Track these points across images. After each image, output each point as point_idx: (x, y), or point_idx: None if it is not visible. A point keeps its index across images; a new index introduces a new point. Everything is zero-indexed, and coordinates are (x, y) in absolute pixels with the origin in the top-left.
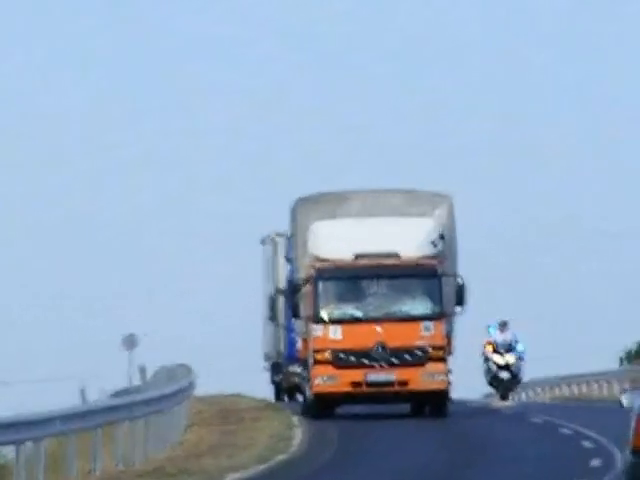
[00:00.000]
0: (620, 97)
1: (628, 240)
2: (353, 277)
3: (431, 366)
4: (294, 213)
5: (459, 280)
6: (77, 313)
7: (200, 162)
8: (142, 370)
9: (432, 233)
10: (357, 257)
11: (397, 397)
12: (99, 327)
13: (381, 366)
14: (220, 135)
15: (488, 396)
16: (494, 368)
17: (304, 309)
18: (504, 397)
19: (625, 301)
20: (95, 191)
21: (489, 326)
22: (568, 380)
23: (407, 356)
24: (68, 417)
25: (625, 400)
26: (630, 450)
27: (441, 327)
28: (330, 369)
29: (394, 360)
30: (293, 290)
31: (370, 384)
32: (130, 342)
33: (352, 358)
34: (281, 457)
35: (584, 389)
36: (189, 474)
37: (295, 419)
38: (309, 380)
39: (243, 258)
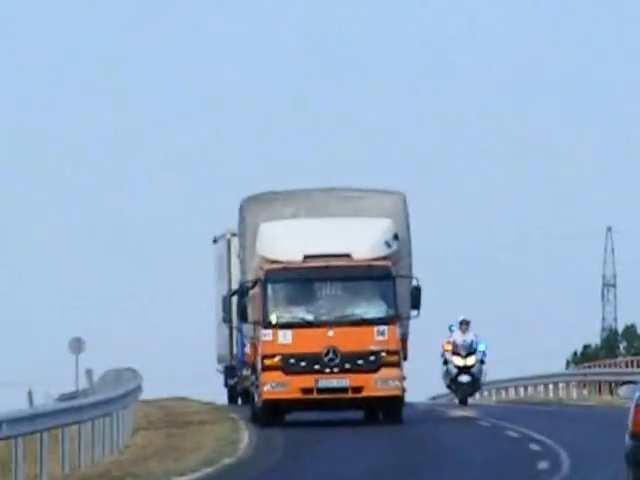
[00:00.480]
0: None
1: (578, 245)
2: (303, 279)
3: (385, 372)
4: (242, 213)
5: (414, 282)
6: (23, 317)
7: (151, 160)
8: (89, 373)
9: (386, 233)
10: (307, 258)
11: (350, 404)
12: (46, 331)
13: (333, 372)
14: (170, 135)
15: (435, 398)
16: (453, 371)
17: (253, 313)
18: (463, 402)
19: (572, 305)
20: (32, 194)
21: (450, 326)
22: (515, 382)
23: (360, 361)
24: (15, 421)
25: (623, 392)
26: (629, 435)
27: (395, 331)
28: (279, 375)
29: (346, 365)
30: (241, 293)
31: (321, 390)
32: (77, 346)
33: (302, 363)
34: (227, 460)
35: (530, 391)
36: (135, 477)
37: (242, 423)
38: (258, 387)
39: (196, 258)
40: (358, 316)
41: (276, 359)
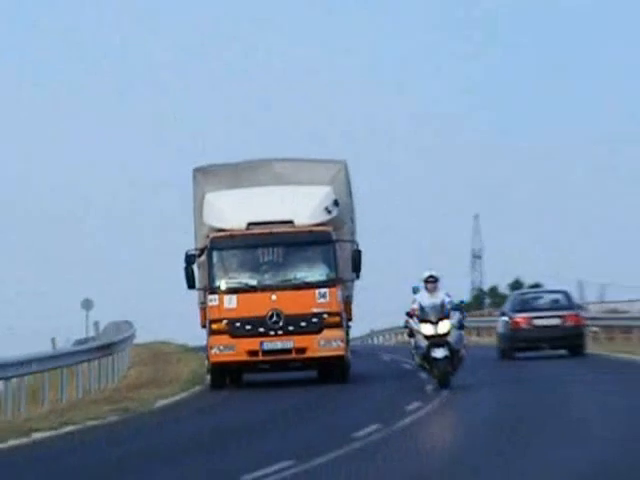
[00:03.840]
0: None
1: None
2: (247, 246)
3: (328, 333)
4: (193, 184)
5: (354, 246)
6: (46, 282)
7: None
8: (96, 325)
9: (326, 200)
10: (250, 226)
11: (295, 364)
12: (64, 293)
13: (277, 334)
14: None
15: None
16: (423, 343)
17: (201, 279)
18: (443, 384)
19: (448, 273)
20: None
21: (414, 287)
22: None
23: (303, 323)
24: (42, 360)
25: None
26: None
27: (336, 293)
28: (226, 338)
29: (290, 328)
30: (188, 261)
31: (266, 352)
32: (87, 304)
33: (248, 327)
34: (198, 387)
35: None
36: (131, 400)
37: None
38: (207, 350)
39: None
40: (300, 280)
41: (223, 323)
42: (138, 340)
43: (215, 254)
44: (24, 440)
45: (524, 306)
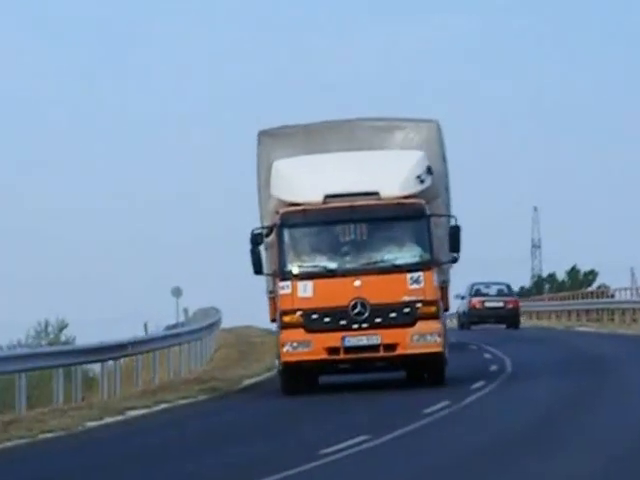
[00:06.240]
0: None
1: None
2: (324, 222)
3: (422, 325)
4: (257, 150)
5: (452, 221)
6: (139, 272)
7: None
8: (185, 311)
9: (417, 167)
10: (328, 198)
11: (382, 364)
12: (155, 282)
13: (361, 328)
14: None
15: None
16: None
17: (269, 263)
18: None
19: (508, 261)
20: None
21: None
22: None
23: (393, 314)
24: (136, 343)
25: None
26: None
27: (432, 278)
28: (301, 333)
29: (377, 320)
30: (254, 242)
31: (349, 349)
32: (177, 292)
33: (326, 319)
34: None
35: None
36: (218, 380)
37: None
38: (278, 348)
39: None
40: (389, 262)
41: (296, 315)
42: (224, 325)
43: (286, 233)
44: (119, 418)
45: (478, 293)
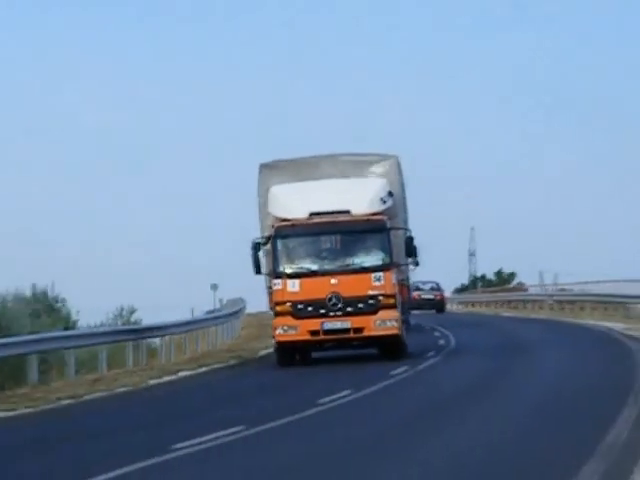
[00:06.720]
0: None
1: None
2: (308, 234)
3: (383, 313)
4: (258, 178)
5: (408, 233)
6: (186, 269)
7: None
8: (220, 301)
9: (381, 191)
10: (312, 215)
11: (355, 343)
12: (198, 278)
13: (336, 315)
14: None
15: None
16: None
17: (266, 265)
18: None
19: (451, 266)
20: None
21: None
22: None
23: (360, 305)
24: (184, 324)
25: None
26: None
27: (391, 277)
28: (290, 320)
29: (348, 309)
30: (255, 248)
31: (327, 332)
32: (214, 287)
33: (309, 309)
34: None
35: None
36: (244, 350)
37: None
38: (273, 330)
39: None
40: (357, 265)
41: (286, 305)
42: (248, 311)
43: (279, 242)
44: (173, 377)
45: (417, 288)
